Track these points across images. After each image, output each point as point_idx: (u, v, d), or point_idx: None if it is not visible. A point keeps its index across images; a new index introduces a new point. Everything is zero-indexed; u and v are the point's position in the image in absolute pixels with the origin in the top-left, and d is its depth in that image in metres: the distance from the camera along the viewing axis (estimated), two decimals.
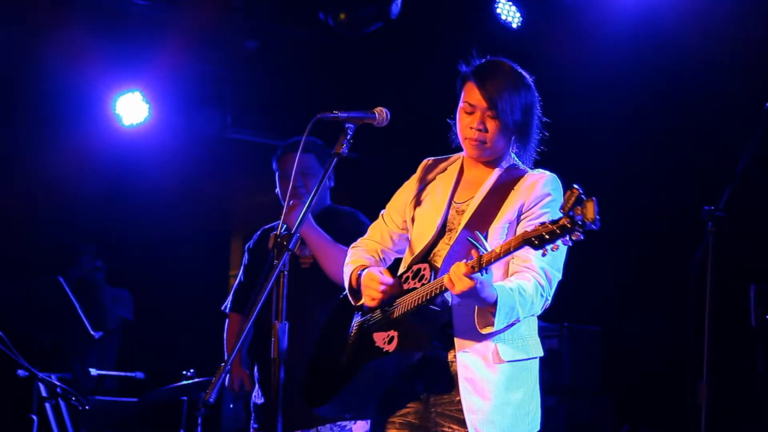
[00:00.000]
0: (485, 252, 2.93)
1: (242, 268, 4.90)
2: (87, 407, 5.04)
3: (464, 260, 2.98)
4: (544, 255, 2.84)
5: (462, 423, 3.15)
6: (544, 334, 6.12)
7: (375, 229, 3.56)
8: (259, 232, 4.91)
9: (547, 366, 6.10)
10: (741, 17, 6.11)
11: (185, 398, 5.36)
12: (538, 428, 3.28)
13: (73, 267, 7.23)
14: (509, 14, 6.89)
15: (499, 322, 3.03)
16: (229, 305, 4.91)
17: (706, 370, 4.28)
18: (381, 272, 3.27)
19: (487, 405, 3.14)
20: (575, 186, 2.78)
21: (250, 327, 3.30)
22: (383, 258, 3.51)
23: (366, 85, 7.50)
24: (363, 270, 3.34)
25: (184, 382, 5.30)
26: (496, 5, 6.87)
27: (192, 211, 8.08)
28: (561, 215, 2.76)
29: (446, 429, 3.19)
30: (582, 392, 6.18)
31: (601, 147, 6.76)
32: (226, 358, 4.62)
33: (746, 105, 5.15)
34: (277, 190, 4.85)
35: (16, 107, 7.21)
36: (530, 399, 3.24)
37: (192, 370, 5.40)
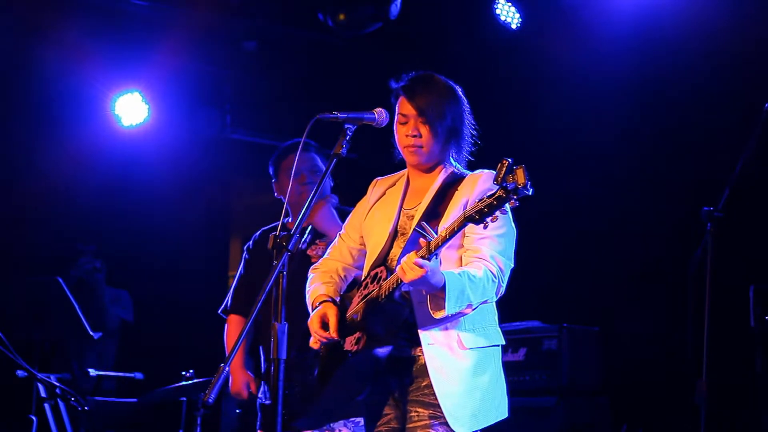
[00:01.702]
0: (432, 238, 3.13)
1: (241, 269, 4.89)
2: (86, 408, 5.03)
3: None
4: (485, 228, 3.05)
5: (426, 406, 3.32)
6: (542, 334, 6.16)
7: (335, 248, 3.73)
8: (258, 233, 4.90)
9: (545, 366, 6.13)
10: (740, 17, 6.12)
11: (184, 399, 5.36)
12: (506, 415, 3.42)
13: (72, 268, 7.22)
14: (508, 15, 6.88)
15: (450, 305, 3.18)
16: (228, 307, 4.89)
17: (706, 370, 4.28)
18: (324, 317, 3.43)
19: (457, 389, 3.30)
20: (505, 158, 2.96)
21: (250, 328, 3.31)
22: (344, 276, 3.68)
23: (365, 85, 7.49)
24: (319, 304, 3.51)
25: (183, 383, 5.30)
26: (495, 6, 6.87)
27: (191, 211, 8.07)
28: (496, 188, 2.96)
29: (413, 414, 3.35)
30: (580, 392, 6.17)
31: (600, 147, 6.76)
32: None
33: (746, 105, 5.15)
34: (276, 193, 4.84)
35: (15, 108, 7.21)
36: (495, 385, 3.40)
37: (191, 371, 5.40)
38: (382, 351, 3.30)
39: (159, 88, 7.40)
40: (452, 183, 3.47)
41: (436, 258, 3.14)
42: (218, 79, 7.83)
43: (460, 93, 3.55)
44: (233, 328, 4.85)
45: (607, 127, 6.74)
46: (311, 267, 3.71)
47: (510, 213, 3.37)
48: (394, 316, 3.32)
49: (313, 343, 3.46)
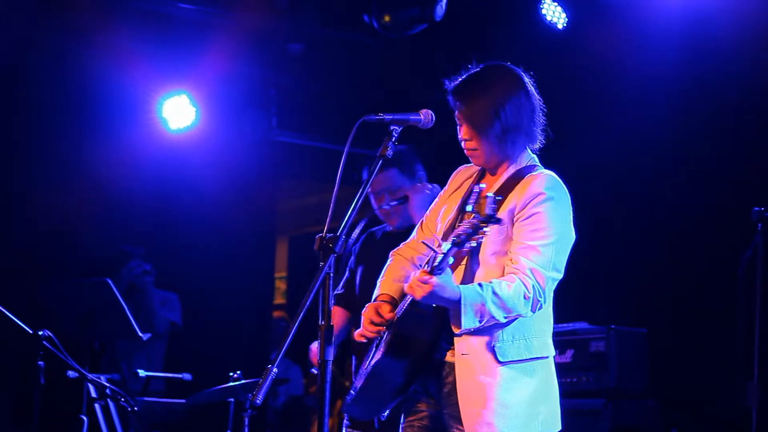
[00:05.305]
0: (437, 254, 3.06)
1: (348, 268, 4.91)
2: (135, 408, 5.08)
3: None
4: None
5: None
6: (590, 336, 6.13)
7: (414, 234, 3.62)
8: (364, 236, 4.92)
9: (593, 368, 6.09)
10: None
11: (232, 399, 5.40)
12: (559, 428, 3.29)
13: (122, 270, 7.29)
14: (555, 15, 6.84)
15: (466, 321, 3.09)
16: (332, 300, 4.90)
17: (757, 372, 4.24)
18: (377, 310, 3.35)
19: (482, 408, 3.17)
20: (480, 186, 3.03)
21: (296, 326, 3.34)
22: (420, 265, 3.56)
23: (410, 87, 7.50)
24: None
25: (231, 384, 5.33)
26: (541, 6, 6.83)
27: (238, 213, 8.12)
28: (476, 216, 2.95)
29: (455, 430, 3.26)
30: (628, 394, 6.13)
31: (649, 147, 6.71)
32: None
33: None
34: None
35: (64, 111, 7.30)
36: (539, 400, 3.25)
37: (239, 372, 5.43)
38: (405, 358, 3.25)
39: (206, 90, 7.45)
40: (513, 182, 3.31)
41: (441, 272, 3.03)
42: (265, 81, 7.88)
43: (517, 81, 3.37)
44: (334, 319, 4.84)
45: (655, 127, 6.69)
46: (392, 250, 3.64)
47: (569, 217, 3.28)
48: (422, 323, 3.25)
49: (358, 335, 3.41)
